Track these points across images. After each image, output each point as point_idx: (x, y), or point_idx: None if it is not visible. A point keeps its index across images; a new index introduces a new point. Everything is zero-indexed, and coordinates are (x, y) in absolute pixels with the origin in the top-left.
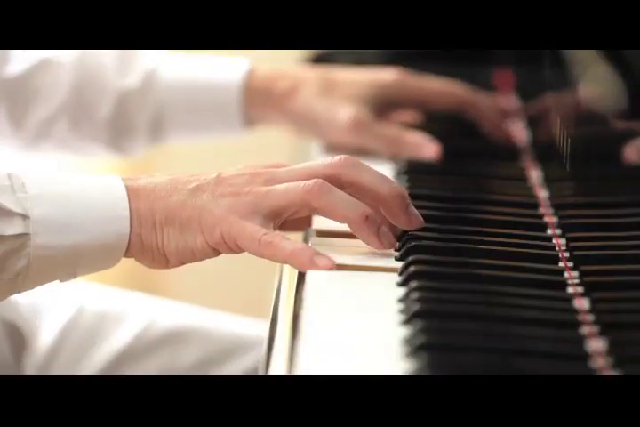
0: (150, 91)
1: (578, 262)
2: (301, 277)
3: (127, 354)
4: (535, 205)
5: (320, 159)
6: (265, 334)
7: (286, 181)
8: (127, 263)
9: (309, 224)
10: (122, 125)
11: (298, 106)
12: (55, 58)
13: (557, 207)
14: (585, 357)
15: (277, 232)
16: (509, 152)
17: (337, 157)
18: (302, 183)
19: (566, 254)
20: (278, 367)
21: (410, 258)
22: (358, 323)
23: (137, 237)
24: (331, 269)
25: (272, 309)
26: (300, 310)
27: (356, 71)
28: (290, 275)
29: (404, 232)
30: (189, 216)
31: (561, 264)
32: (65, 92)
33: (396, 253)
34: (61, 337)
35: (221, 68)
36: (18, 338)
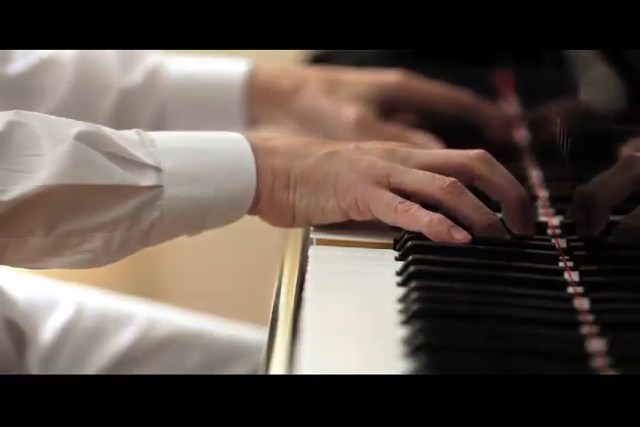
0: (153, 89)
1: (578, 262)
2: (301, 278)
3: (127, 357)
4: (535, 206)
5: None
6: (264, 339)
7: (422, 163)
8: (126, 268)
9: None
10: (124, 123)
11: (301, 105)
12: (57, 56)
13: (557, 207)
14: (585, 357)
15: (412, 202)
16: (509, 152)
17: (475, 151)
18: (440, 178)
19: (566, 254)
20: (278, 368)
21: (410, 258)
22: (358, 323)
23: (269, 192)
24: (466, 243)
25: (272, 309)
26: (300, 310)
27: (359, 72)
28: (289, 276)
29: (404, 232)
30: (325, 177)
31: (561, 264)
32: (67, 91)
33: (396, 254)
34: (61, 337)
35: (224, 67)
36: (19, 336)
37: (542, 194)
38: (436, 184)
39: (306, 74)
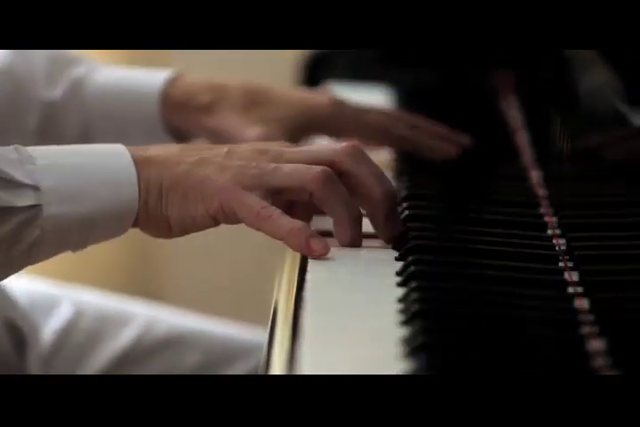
0: (75, 101)
1: (578, 262)
2: (301, 278)
3: (127, 357)
4: (535, 205)
5: (328, 143)
6: (264, 339)
7: (293, 162)
8: (126, 268)
9: (317, 211)
10: (51, 137)
11: (213, 121)
12: None
13: (557, 207)
14: (585, 357)
15: (276, 208)
16: (509, 152)
17: (344, 144)
18: (312, 169)
19: (566, 254)
20: (278, 368)
21: (410, 258)
22: (358, 323)
23: (144, 205)
24: (323, 254)
25: (272, 309)
26: (300, 310)
27: (290, 92)
28: (289, 276)
29: (403, 233)
30: (193, 184)
31: (561, 264)
32: None
33: (397, 254)
34: (61, 337)
35: (144, 77)
36: (19, 337)
37: (542, 194)
38: (308, 175)
39: (228, 90)
